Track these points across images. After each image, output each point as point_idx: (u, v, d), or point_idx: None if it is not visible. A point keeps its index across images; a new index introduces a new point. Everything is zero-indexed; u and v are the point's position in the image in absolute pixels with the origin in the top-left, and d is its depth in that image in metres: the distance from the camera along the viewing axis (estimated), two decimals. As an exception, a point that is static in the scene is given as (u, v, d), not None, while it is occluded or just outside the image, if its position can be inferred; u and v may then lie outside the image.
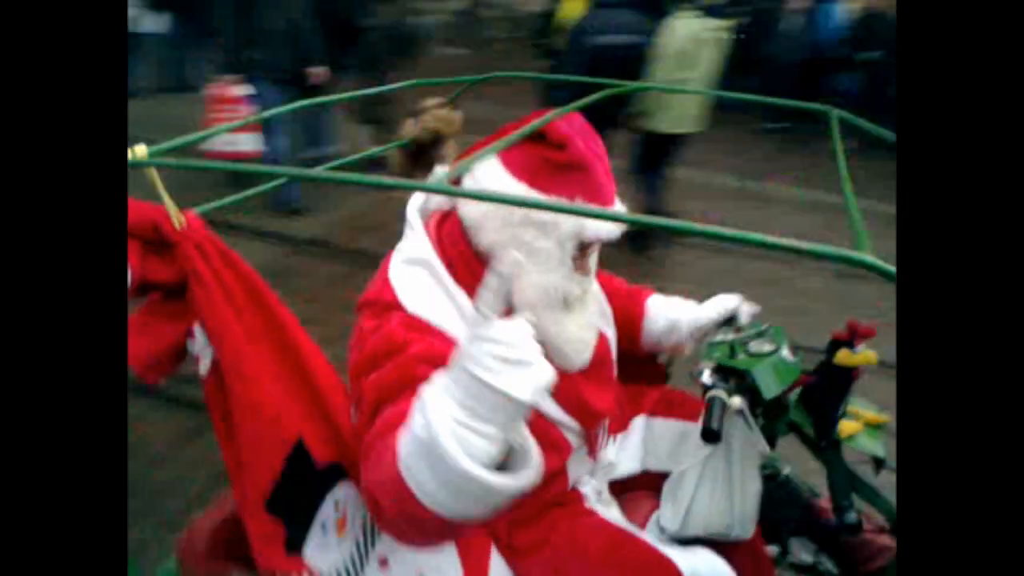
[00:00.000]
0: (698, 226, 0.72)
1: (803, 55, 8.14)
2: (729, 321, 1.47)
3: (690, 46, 4.31)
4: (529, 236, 1.12)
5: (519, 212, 1.11)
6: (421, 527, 0.87)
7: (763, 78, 8.16)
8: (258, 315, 1.08)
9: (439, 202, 1.26)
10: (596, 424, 1.31)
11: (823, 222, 5.52)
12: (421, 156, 1.56)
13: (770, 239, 0.69)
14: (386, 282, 1.14)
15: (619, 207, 1.19)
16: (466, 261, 1.16)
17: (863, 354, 1.31)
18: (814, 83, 8.07)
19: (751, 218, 5.84)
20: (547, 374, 0.82)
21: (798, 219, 5.74)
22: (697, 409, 1.33)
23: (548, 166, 1.12)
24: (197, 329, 1.07)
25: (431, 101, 1.59)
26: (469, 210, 1.15)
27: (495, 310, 0.86)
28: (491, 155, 1.08)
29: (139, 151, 0.92)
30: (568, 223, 1.12)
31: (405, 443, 0.83)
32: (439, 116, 1.58)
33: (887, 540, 1.43)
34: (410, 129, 1.55)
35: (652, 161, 4.77)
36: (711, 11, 4.43)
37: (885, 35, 7.91)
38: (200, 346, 1.08)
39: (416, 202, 1.27)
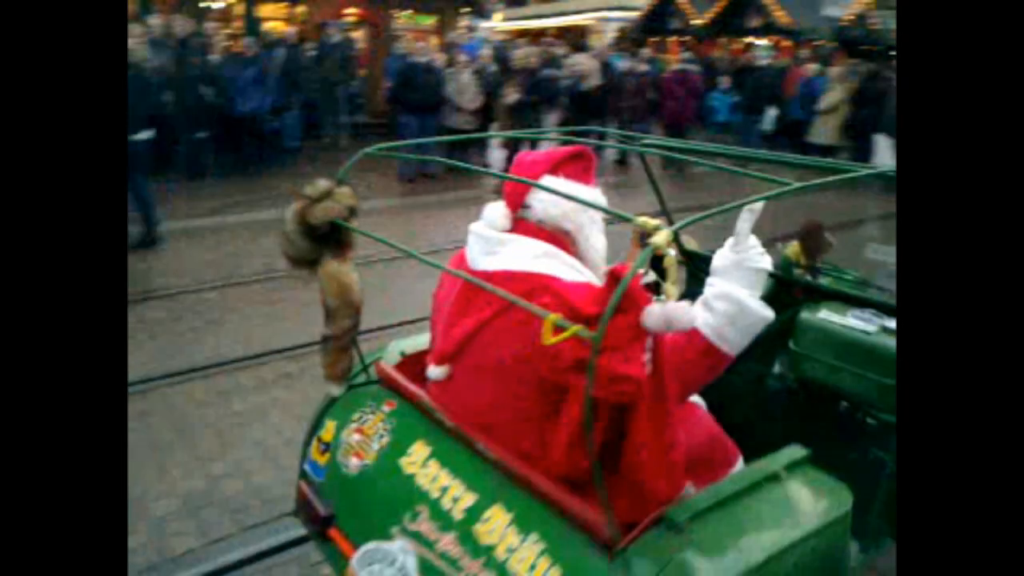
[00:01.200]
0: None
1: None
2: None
3: None
4: (593, 213, 1.68)
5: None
6: (716, 370, 1.57)
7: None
8: None
9: (503, 224, 1.67)
10: None
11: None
12: (333, 234, 1.79)
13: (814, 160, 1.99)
14: (559, 282, 1.51)
15: None
16: (559, 243, 1.64)
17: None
18: None
19: None
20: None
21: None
22: None
23: (588, 171, 1.73)
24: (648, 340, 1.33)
25: (324, 184, 1.79)
26: (553, 213, 1.65)
27: (750, 232, 1.54)
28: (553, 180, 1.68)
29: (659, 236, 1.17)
30: (603, 203, 1.66)
31: (712, 326, 1.52)
32: (349, 194, 1.80)
33: None
34: (326, 212, 1.76)
35: None
36: None
37: None
38: (648, 350, 1.32)
39: (487, 229, 1.67)
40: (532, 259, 1.57)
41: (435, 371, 1.71)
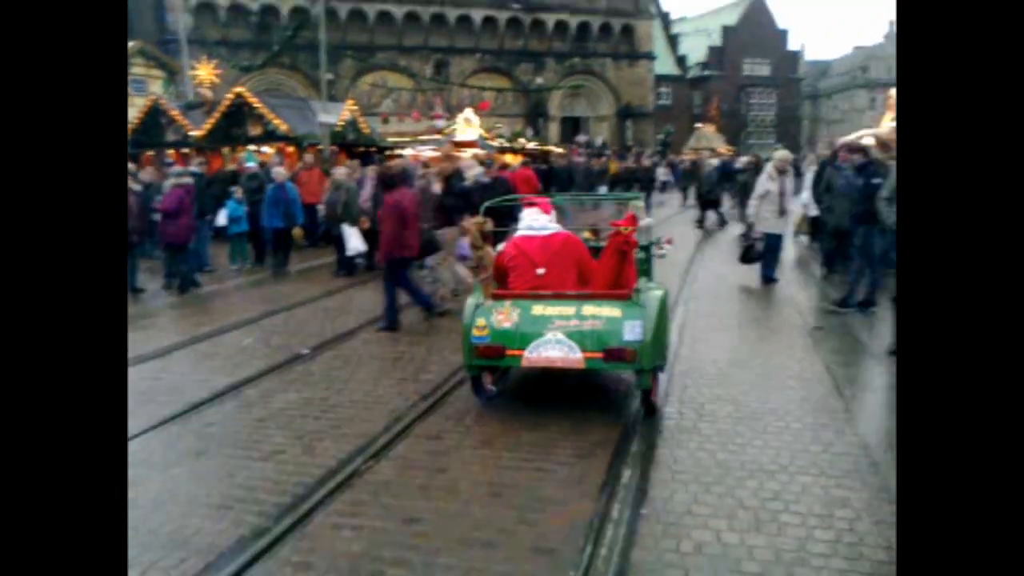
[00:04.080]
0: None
1: None
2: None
3: None
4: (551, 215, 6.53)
5: None
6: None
7: None
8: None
9: (546, 220, 6.04)
10: None
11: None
12: (487, 236, 6.12)
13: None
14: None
15: None
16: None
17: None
18: None
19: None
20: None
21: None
22: None
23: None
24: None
25: (481, 218, 6.36)
26: (552, 216, 6.36)
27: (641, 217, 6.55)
28: None
29: None
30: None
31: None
32: (489, 220, 6.32)
33: None
34: (489, 226, 6.24)
35: None
36: None
37: None
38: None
39: (541, 222, 5.96)
40: (559, 229, 5.87)
41: (540, 270, 5.46)
